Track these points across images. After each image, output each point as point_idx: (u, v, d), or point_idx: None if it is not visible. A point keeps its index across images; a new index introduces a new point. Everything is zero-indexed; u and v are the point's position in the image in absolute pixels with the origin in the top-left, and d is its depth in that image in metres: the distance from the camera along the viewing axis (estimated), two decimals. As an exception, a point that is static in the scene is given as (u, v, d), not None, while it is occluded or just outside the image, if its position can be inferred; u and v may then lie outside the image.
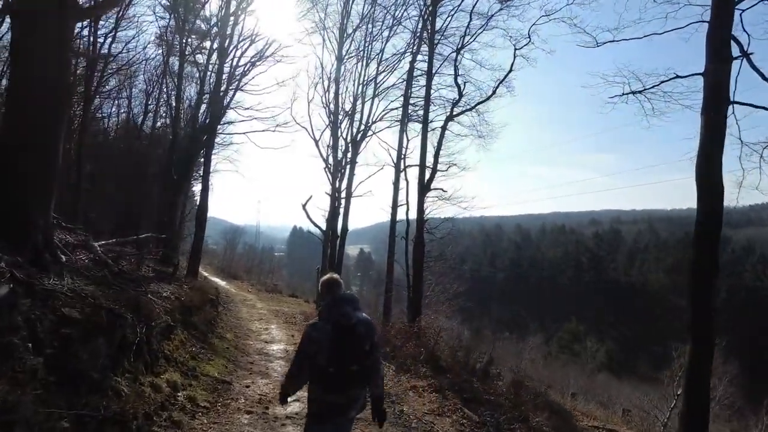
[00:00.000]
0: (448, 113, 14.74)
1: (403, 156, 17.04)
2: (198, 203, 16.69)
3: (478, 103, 14.43)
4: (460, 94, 14.80)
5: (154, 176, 23.68)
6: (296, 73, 30.31)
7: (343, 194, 20.63)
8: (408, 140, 16.34)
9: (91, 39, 19.20)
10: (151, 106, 24.91)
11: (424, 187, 13.51)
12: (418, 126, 17.56)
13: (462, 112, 14.67)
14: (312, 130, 20.78)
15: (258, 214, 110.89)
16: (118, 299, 4.64)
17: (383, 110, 20.36)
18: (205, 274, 28.14)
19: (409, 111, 17.47)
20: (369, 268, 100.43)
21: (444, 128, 14.30)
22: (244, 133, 18.56)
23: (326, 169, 20.96)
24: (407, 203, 15.61)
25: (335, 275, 3.20)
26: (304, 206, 21.38)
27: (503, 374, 8.54)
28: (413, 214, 14.76)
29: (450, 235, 14.90)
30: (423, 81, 16.62)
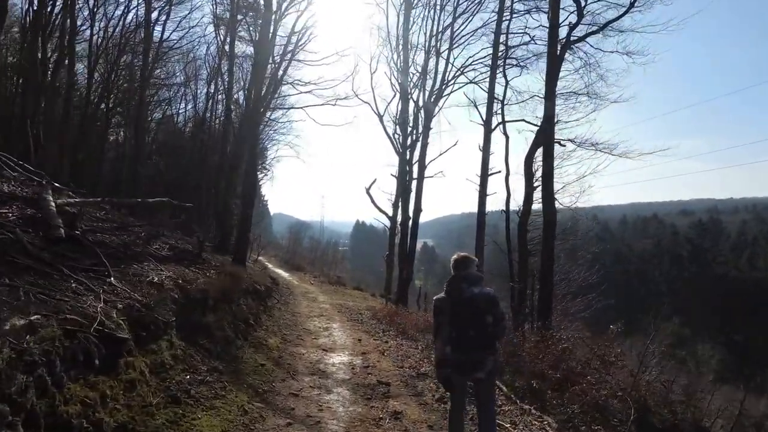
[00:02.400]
0: (564, 40, 10.64)
1: (496, 111, 13.22)
2: (245, 175, 14.05)
3: (614, 20, 10.15)
4: (581, 14, 10.70)
5: (216, 164, 22.31)
6: (356, 42, 27.33)
7: (415, 169, 17.29)
8: (507, 82, 12.47)
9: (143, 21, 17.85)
10: (212, 94, 23.72)
11: (551, 135, 9.30)
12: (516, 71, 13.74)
13: (587, 36, 10.51)
14: (376, 104, 17.98)
15: (322, 209, 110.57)
16: None
17: (463, 63, 16.82)
18: (269, 265, 26.28)
19: (502, 52, 13.62)
20: (433, 261, 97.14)
21: (561, 58, 10.23)
22: (302, 108, 16.04)
23: (394, 138, 17.70)
24: (507, 168, 11.80)
25: (462, 254, 3.57)
26: (368, 190, 18.41)
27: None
28: (516, 184, 10.88)
29: (583, 202, 10.71)
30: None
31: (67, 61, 16.57)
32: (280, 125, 25.28)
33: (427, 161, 16.98)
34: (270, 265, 26.75)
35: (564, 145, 10.50)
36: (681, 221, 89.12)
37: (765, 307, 56.53)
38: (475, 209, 13.71)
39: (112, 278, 3.82)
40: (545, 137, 9.26)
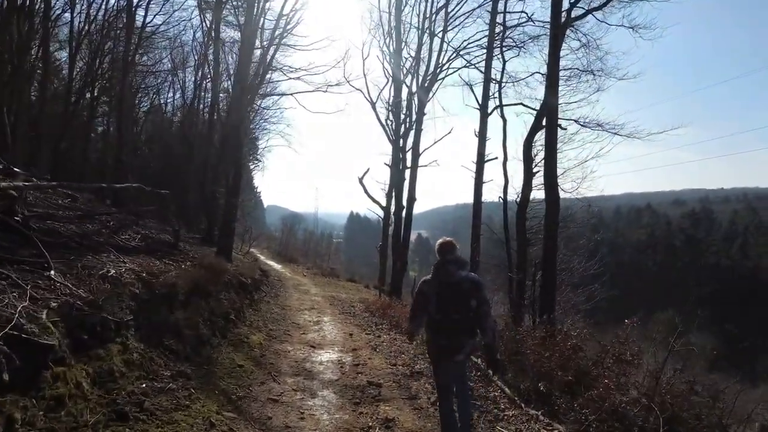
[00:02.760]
0: (564, 19, 10.05)
1: (493, 94, 12.67)
2: (230, 163, 13.42)
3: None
4: (582, -10, 10.11)
5: (203, 153, 21.60)
6: (347, 27, 26.59)
7: (409, 157, 16.73)
8: (504, 63, 11.94)
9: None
10: (200, 82, 22.81)
11: (554, 110, 8.72)
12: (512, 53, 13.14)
13: (591, 11, 9.92)
14: (368, 91, 17.39)
15: (316, 201, 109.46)
16: None
17: (458, 46, 16.20)
18: (261, 257, 25.77)
19: (499, 33, 13.03)
20: (428, 252, 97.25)
21: (563, 32, 9.66)
22: (292, 95, 15.40)
23: (387, 125, 17.10)
24: (504, 153, 11.26)
25: (447, 239, 3.55)
26: (360, 180, 17.82)
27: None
28: (513, 171, 10.33)
29: (586, 188, 10.18)
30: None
31: (42, 44, 15.72)
32: (271, 113, 24.68)
33: (421, 149, 16.48)
34: (262, 257, 26.17)
35: (565, 129, 9.97)
36: (674, 211, 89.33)
37: (757, 296, 56.83)
38: (469, 199, 13.26)
39: (52, 272, 3.26)
40: (548, 111, 8.66)
